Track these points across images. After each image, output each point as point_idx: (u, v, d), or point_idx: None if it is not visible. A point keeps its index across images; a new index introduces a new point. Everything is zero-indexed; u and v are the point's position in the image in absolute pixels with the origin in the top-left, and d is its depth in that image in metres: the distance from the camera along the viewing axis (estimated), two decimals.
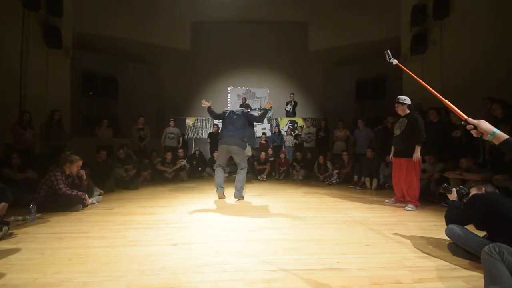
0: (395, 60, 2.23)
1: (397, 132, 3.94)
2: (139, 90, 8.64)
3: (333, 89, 9.32)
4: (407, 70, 2.07)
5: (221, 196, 4.34)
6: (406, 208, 3.72)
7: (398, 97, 3.84)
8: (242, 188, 4.30)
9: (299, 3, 9.40)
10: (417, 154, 3.67)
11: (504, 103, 3.96)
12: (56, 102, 6.45)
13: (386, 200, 4.18)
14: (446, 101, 1.59)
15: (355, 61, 8.79)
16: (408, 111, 3.84)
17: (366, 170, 5.67)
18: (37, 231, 2.75)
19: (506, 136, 1.35)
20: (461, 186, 2.42)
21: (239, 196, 4.24)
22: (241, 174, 4.30)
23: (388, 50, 2.27)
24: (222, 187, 4.40)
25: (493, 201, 1.97)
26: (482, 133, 1.39)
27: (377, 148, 6.19)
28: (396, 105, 3.86)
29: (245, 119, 4.32)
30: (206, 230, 2.82)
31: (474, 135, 1.43)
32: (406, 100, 3.78)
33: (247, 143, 4.40)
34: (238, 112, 4.39)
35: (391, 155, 4.09)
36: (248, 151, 7.91)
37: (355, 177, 5.76)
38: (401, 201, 4.00)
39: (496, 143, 1.37)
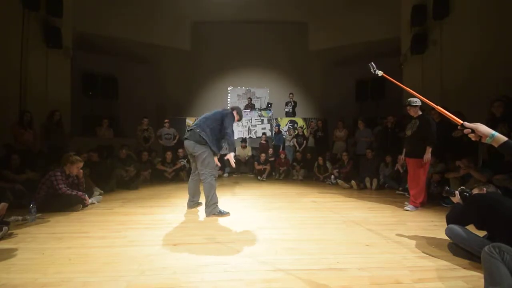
0: (380, 71, 2.23)
1: (408, 133, 3.98)
2: (139, 90, 8.66)
3: (333, 89, 9.32)
4: (393, 80, 2.08)
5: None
6: (406, 208, 3.73)
7: (409, 99, 3.84)
8: (211, 202, 3.29)
9: (299, 3, 9.41)
10: (428, 155, 3.68)
11: (507, 100, 3.89)
12: (56, 102, 6.45)
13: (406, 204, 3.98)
14: (439, 107, 1.57)
15: (355, 61, 8.78)
16: (420, 112, 3.86)
17: (366, 171, 5.67)
18: (37, 231, 2.75)
19: (505, 139, 1.33)
20: (462, 187, 2.42)
21: (208, 213, 3.27)
22: (204, 184, 3.31)
23: (372, 63, 2.28)
24: (192, 200, 3.63)
25: (493, 201, 1.97)
26: (481, 136, 1.37)
27: (376, 148, 6.20)
28: (408, 108, 3.87)
29: (222, 118, 3.41)
30: (206, 230, 2.82)
31: (473, 139, 1.41)
32: (417, 102, 3.80)
33: (208, 141, 3.26)
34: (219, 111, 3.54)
35: (403, 155, 4.12)
36: (248, 151, 7.91)
37: (352, 182, 5.57)
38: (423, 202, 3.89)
39: (495, 145, 1.35)
